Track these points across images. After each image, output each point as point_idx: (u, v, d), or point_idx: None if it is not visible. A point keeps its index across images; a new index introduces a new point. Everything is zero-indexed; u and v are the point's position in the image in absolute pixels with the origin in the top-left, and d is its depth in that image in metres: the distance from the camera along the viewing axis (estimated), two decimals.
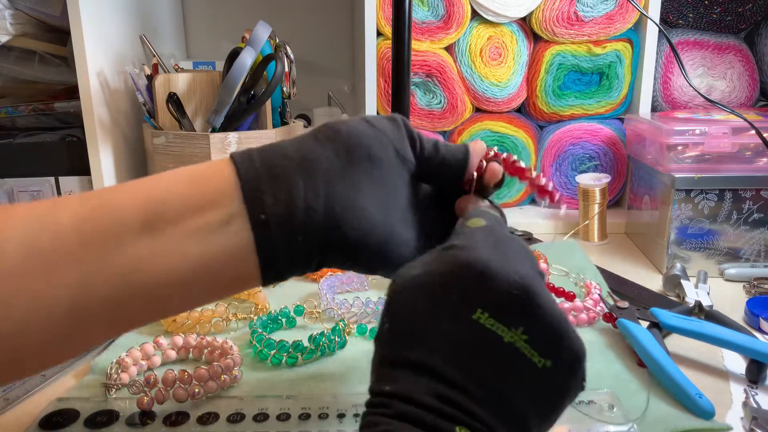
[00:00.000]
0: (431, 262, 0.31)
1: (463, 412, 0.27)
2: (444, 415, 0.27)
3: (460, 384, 0.28)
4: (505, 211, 1.04)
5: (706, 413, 0.45)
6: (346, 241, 0.35)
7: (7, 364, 0.32)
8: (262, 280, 0.35)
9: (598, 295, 0.61)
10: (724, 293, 0.68)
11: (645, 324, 0.55)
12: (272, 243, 0.33)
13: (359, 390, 0.48)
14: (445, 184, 0.42)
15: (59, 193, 0.91)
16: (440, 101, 0.95)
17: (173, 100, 0.86)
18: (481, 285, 0.29)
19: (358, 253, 0.36)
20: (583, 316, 0.59)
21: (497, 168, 0.41)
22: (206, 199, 0.34)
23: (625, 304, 0.58)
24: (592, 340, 0.56)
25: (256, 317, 0.59)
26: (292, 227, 0.33)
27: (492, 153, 0.42)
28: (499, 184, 0.42)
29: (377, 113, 0.95)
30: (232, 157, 0.36)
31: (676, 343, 0.56)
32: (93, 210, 0.33)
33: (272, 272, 0.34)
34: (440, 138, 0.97)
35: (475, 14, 0.92)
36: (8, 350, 0.31)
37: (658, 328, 0.55)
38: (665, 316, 0.55)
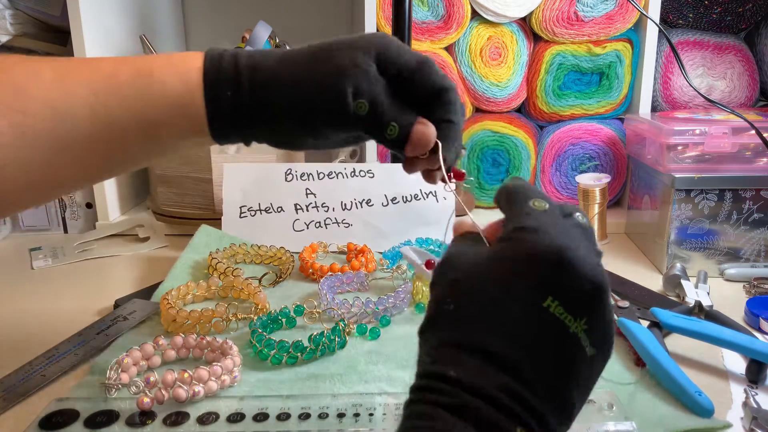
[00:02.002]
0: (502, 246, 0.31)
1: (526, 408, 0.27)
2: (509, 412, 0.26)
3: (525, 376, 0.27)
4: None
5: (706, 411, 0.45)
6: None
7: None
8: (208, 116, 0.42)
9: None
10: (724, 293, 0.68)
11: (645, 323, 0.55)
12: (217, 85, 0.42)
13: (359, 390, 0.48)
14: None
15: None
16: None
17: None
18: (556, 274, 0.28)
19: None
20: None
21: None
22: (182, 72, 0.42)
23: (625, 303, 0.58)
24: None
25: (256, 317, 0.59)
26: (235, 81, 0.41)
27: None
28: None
29: None
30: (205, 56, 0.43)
31: (676, 342, 0.56)
32: (104, 129, 0.42)
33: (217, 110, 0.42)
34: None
35: (475, 14, 0.92)
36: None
37: (658, 327, 0.55)
38: (666, 315, 0.55)
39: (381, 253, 0.76)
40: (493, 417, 0.26)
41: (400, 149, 0.44)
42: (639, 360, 0.52)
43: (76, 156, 0.42)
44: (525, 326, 0.28)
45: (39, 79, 0.41)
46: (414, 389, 0.28)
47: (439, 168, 0.44)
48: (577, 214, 0.32)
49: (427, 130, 0.43)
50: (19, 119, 0.39)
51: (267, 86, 0.42)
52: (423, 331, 0.31)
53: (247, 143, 0.45)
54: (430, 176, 0.46)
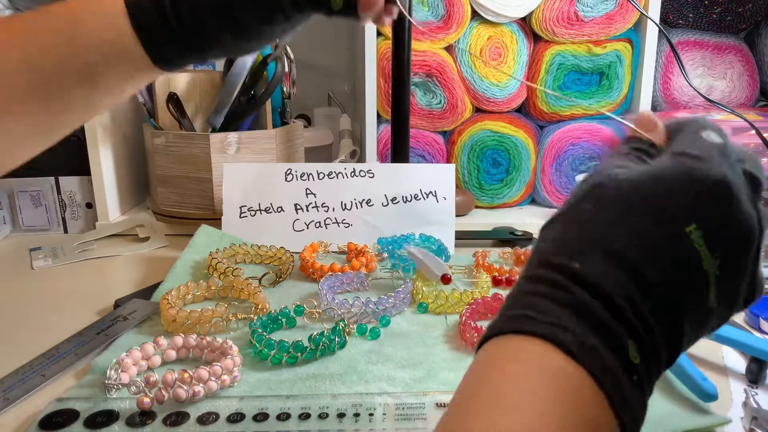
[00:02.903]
0: (661, 162, 0.29)
1: (643, 325, 0.26)
2: (627, 324, 0.25)
3: (652, 292, 0.26)
4: (505, 211, 1.03)
5: (709, 396, 0.45)
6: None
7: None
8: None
9: None
10: None
11: None
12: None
13: (359, 390, 0.48)
14: None
15: (59, 193, 0.91)
16: (440, 101, 0.95)
17: (173, 100, 0.86)
18: (710, 201, 0.27)
19: None
20: None
21: None
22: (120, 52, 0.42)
23: None
24: None
25: (256, 317, 0.59)
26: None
27: None
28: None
29: (377, 113, 0.95)
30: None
31: None
32: (41, 83, 0.41)
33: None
34: (441, 137, 0.97)
35: (475, 14, 0.92)
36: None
37: None
38: None
39: (378, 240, 0.76)
40: (610, 325, 0.25)
41: (353, 16, 0.46)
42: None
43: (15, 115, 0.42)
44: (660, 244, 0.27)
45: None
46: (525, 278, 0.28)
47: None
48: (751, 165, 0.30)
49: None
50: None
51: None
52: (547, 226, 0.30)
53: (190, 62, 0.45)
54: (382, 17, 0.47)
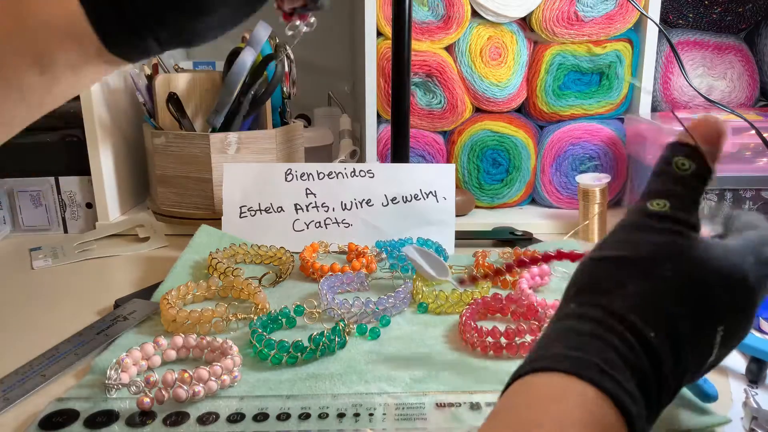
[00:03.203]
0: (733, 264, 0.33)
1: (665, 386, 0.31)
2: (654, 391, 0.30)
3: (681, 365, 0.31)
4: (505, 211, 1.03)
5: (709, 397, 0.45)
6: None
7: None
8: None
9: None
10: None
11: None
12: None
13: (359, 390, 0.48)
14: None
15: (59, 193, 0.91)
16: (440, 101, 0.95)
17: (173, 100, 0.86)
18: (741, 317, 0.34)
19: None
20: None
21: None
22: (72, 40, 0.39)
23: None
24: None
25: (256, 317, 0.59)
26: None
27: None
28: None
29: (377, 113, 0.95)
30: None
31: None
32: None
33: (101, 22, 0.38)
34: (441, 137, 0.97)
35: (475, 14, 0.92)
36: None
37: None
38: None
39: (377, 243, 0.76)
40: (651, 393, 0.30)
41: None
42: None
43: None
44: (699, 336, 0.32)
45: None
46: (593, 321, 0.31)
47: None
48: None
49: None
50: None
51: None
52: (620, 267, 0.33)
53: (149, 49, 0.41)
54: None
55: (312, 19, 0.51)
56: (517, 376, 0.31)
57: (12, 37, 0.39)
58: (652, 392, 0.30)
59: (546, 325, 0.35)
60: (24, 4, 0.39)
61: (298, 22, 0.48)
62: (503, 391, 0.31)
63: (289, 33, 0.49)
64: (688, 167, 0.35)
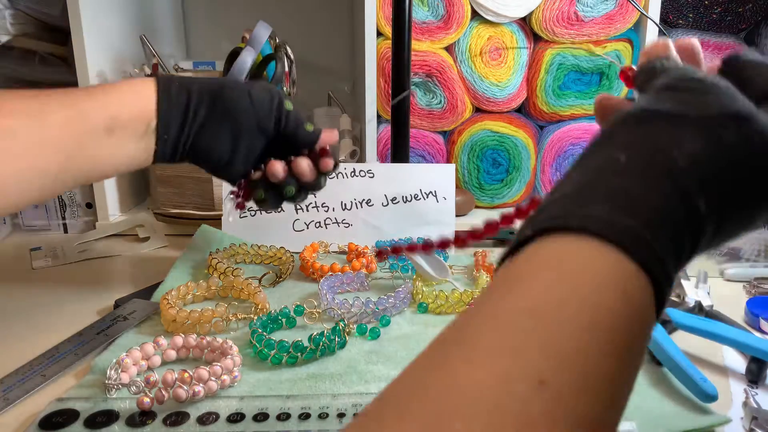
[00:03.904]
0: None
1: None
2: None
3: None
4: (505, 211, 1.04)
5: (709, 397, 0.45)
6: (200, 157, 0.59)
7: (7, 207, 0.49)
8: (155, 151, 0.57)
9: None
10: (724, 293, 0.68)
11: None
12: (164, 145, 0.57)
13: (359, 390, 0.48)
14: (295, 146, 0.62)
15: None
16: (440, 101, 0.95)
17: None
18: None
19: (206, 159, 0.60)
20: None
21: (329, 163, 0.62)
22: (139, 116, 0.55)
23: None
24: None
25: (256, 317, 0.59)
26: (174, 143, 0.57)
27: (328, 147, 0.62)
28: (331, 170, 0.63)
29: (377, 113, 0.95)
30: (157, 86, 0.56)
31: (678, 341, 0.56)
32: (71, 119, 0.51)
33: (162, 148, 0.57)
34: (441, 137, 0.97)
35: (475, 14, 0.92)
36: (8, 198, 0.48)
37: (663, 325, 0.55)
38: (678, 314, 0.56)
39: (377, 243, 0.77)
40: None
41: (314, 139, 0.62)
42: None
43: (44, 150, 0.50)
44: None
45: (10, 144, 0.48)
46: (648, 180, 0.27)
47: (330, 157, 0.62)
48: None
49: (334, 131, 0.64)
50: None
51: (213, 85, 0.59)
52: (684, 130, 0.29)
53: (179, 154, 0.58)
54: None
55: (241, 212, 0.72)
56: (537, 231, 0.25)
57: (95, 95, 0.54)
58: (683, 265, 0.27)
59: (573, 164, 0.29)
60: (111, 84, 0.56)
61: (233, 205, 0.63)
62: (510, 253, 0.26)
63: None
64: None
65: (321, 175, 0.62)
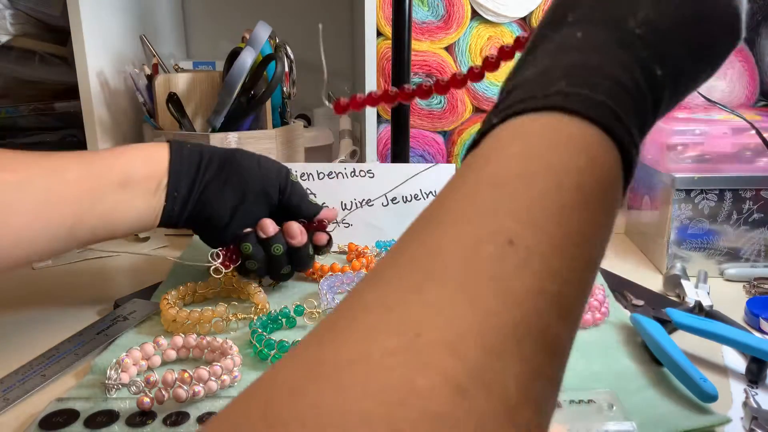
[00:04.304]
0: None
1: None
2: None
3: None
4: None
5: (709, 397, 0.45)
6: (202, 217, 0.62)
7: (21, 258, 0.51)
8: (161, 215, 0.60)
9: (603, 295, 0.61)
10: (724, 293, 0.68)
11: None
12: (173, 203, 0.60)
13: None
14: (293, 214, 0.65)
15: None
16: (440, 101, 0.95)
17: (173, 100, 0.86)
18: None
19: (208, 226, 0.63)
20: (588, 316, 0.59)
21: (323, 237, 0.66)
22: (152, 174, 0.58)
23: (640, 302, 0.63)
24: (593, 341, 0.56)
25: (256, 317, 0.59)
26: (183, 201, 0.60)
27: (326, 222, 0.66)
28: (324, 247, 0.67)
29: (377, 113, 0.95)
30: (170, 147, 0.60)
31: (678, 341, 0.56)
32: (86, 176, 0.53)
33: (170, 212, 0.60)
34: (441, 137, 0.97)
35: (475, 14, 0.92)
36: (23, 249, 0.50)
37: (663, 324, 0.55)
38: (678, 315, 0.56)
39: (377, 243, 0.77)
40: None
41: (312, 216, 0.66)
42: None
43: (57, 206, 0.52)
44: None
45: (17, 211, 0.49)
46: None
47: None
48: None
49: (333, 210, 0.68)
50: None
51: (226, 154, 0.63)
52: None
53: (178, 219, 0.61)
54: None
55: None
56: (502, 118, 0.26)
57: (106, 156, 0.57)
58: (646, 133, 0.27)
59: (533, 43, 0.30)
60: (120, 163, 0.57)
61: (217, 266, 0.62)
62: (478, 140, 0.26)
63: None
64: None
65: (314, 248, 0.65)
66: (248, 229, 0.62)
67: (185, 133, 0.86)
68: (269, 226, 0.62)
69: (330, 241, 0.66)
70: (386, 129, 0.95)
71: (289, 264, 0.63)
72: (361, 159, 1.00)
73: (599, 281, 0.68)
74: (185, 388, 0.45)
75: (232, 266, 0.62)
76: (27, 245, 0.50)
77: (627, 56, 0.27)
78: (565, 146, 0.23)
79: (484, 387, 0.17)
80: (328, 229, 0.66)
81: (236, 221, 0.62)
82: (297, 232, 0.62)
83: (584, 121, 0.24)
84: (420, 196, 0.81)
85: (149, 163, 0.58)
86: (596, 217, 0.23)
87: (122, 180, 0.55)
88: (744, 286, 0.70)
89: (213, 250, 0.62)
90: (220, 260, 0.62)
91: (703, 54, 0.30)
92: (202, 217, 0.61)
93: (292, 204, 0.64)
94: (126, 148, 0.59)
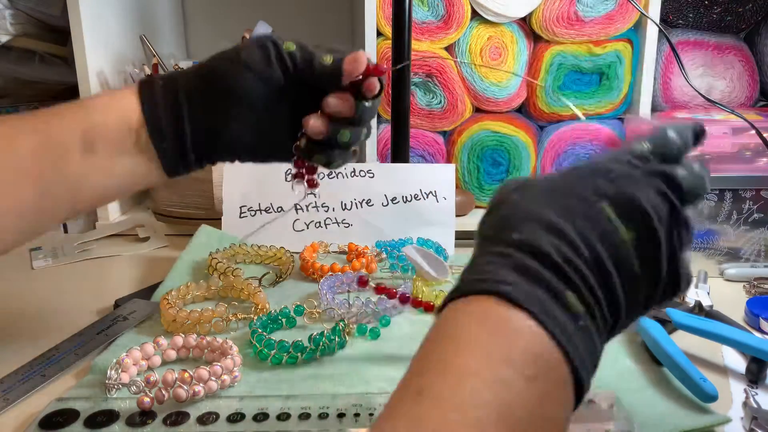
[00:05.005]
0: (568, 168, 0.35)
1: (578, 274, 0.30)
2: (561, 273, 0.29)
3: (583, 251, 0.30)
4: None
5: (709, 397, 0.45)
6: (223, 149, 0.51)
7: None
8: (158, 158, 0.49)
9: None
10: (724, 293, 0.68)
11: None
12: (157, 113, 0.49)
13: (359, 390, 0.48)
14: (324, 88, 0.50)
15: None
16: (440, 101, 0.95)
17: None
18: (619, 186, 0.32)
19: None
20: None
21: (374, 83, 0.50)
22: (122, 130, 0.48)
23: None
24: None
25: (256, 317, 0.59)
26: (179, 147, 0.49)
27: (371, 66, 0.50)
28: (377, 95, 0.51)
29: (377, 114, 0.95)
30: (139, 92, 0.49)
31: (679, 342, 0.56)
32: (42, 145, 0.46)
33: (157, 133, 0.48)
34: (441, 137, 0.97)
35: (475, 14, 0.92)
36: None
37: (663, 324, 0.55)
38: (679, 315, 0.56)
39: (377, 243, 0.77)
40: (549, 279, 0.29)
41: (338, 74, 0.49)
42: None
43: (13, 181, 0.46)
44: (585, 218, 0.31)
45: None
46: (475, 257, 0.33)
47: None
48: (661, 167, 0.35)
49: (358, 54, 0.49)
50: None
51: (197, 69, 0.51)
52: (485, 220, 0.35)
53: (185, 154, 0.50)
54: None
55: (317, 190, 0.57)
56: (459, 294, 0.31)
57: (65, 114, 0.48)
58: (553, 280, 0.30)
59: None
60: (88, 98, 0.50)
61: (304, 187, 0.54)
62: (440, 309, 0.32)
63: (294, 190, 0.55)
64: None
65: (367, 100, 0.51)
66: (302, 142, 0.52)
67: None
68: (317, 124, 0.50)
69: (381, 84, 0.52)
70: (386, 129, 0.95)
71: (358, 136, 0.53)
72: (361, 159, 1.00)
73: None
74: (185, 387, 0.45)
75: (315, 176, 0.55)
76: None
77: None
78: (494, 323, 0.29)
79: None
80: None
81: (265, 133, 0.51)
82: (339, 105, 0.50)
83: (500, 300, 0.29)
84: (420, 196, 0.81)
85: (115, 114, 0.48)
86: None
87: (87, 143, 0.46)
88: (744, 286, 0.70)
89: (289, 180, 0.54)
90: (305, 179, 0.54)
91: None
92: (224, 151, 0.51)
93: (306, 78, 0.50)
94: (86, 102, 0.50)
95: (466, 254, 0.76)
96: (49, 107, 0.48)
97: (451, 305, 0.31)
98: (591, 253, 0.30)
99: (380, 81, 0.51)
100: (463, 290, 0.31)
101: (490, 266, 0.30)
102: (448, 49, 0.94)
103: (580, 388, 0.30)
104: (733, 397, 0.48)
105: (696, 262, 0.73)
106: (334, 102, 0.49)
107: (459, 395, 0.26)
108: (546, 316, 0.28)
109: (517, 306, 0.28)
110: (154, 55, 0.91)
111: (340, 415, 0.44)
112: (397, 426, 0.26)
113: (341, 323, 0.56)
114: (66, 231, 0.92)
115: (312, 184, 0.55)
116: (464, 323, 0.29)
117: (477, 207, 0.99)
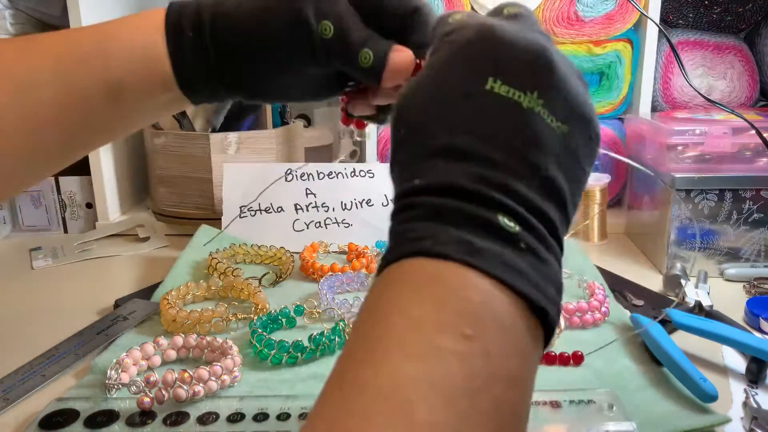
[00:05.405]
0: (430, 57, 0.30)
1: (506, 192, 0.25)
2: (484, 200, 0.25)
3: (498, 161, 0.26)
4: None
5: (709, 397, 0.45)
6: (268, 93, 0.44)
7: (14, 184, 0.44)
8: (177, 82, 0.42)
9: (603, 295, 0.61)
10: (724, 293, 0.68)
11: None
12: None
13: None
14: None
15: (59, 193, 0.91)
16: None
17: None
18: (485, 52, 0.27)
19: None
20: (588, 317, 0.59)
21: None
22: (150, 80, 0.41)
23: (640, 302, 0.63)
24: (594, 341, 0.56)
25: (256, 317, 0.59)
26: (215, 95, 0.44)
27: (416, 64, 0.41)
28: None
29: None
30: (167, 36, 0.41)
31: (679, 342, 0.56)
32: (68, 90, 0.41)
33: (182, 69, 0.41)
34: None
35: None
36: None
37: (663, 324, 0.55)
38: (677, 314, 0.56)
39: (377, 243, 0.77)
40: (471, 211, 0.25)
41: (376, 80, 0.41)
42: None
43: (38, 129, 0.41)
44: (478, 115, 0.27)
45: (1, 58, 0.40)
46: (390, 219, 0.28)
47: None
48: (508, 8, 0.30)
49: (405, 56, 0.40)
50: None
51: (228, 20, 0.40)
52: (390, 171, 0.30)
53: (220, 98, 0.45)
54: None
55: (367, 130, 0.50)
56: (385, 263, 0.27)
57: (91, 63, 0.41)
58: (473, 209, 0.25)
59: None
60: (110, 28, 0.42)
61: (353, 128, 0.47)
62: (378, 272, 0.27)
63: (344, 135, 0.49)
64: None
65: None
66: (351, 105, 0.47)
67: (184, 132, 0.86)
68: (363, 112, 0.47)
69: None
70: (386, 129, 0.95)
71: None
72: (361, 159, 1.00)
73: (599, 281, 0.68)
74: (185, 387, 0.45)
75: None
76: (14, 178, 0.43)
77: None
78: (425, 282, 0.25)
79: None
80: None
81: (300, 86, 0.45)
82: (385, 101, 0.46)
83: (425, 259, 0.25)
84: None
85: (144, 73, 0.41)
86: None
87: (111, 91, 0.41)
88: (744, 286, 0.70)
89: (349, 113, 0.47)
90: (353, 119, 0.49)
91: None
92: (258, 97, 0.45)
93: (341, 68, 0.42)
94: (109, 46, 0.41)
95: None
96: (68, 36, 0.42)
97: (377, 278, 0.27)
98: (504, 153, 0.26)
99: None
100: (387, 259, 0.27)
101: (404, 225, 0.26)
102: None
103: (545, 319, 0.25)
104: (733, 397, 0.48)
105: (696, 262, 0.73)
106: (378, 101, 0.46)
107: (381, 377, 0.22)
108: (477, 256, 0.24)
109: (440, 257, 0.24)
110: None
111: None
112: (317, 426, 0.23)
113: (341, 323, 0.56)
114: (66, 231, 0.92)
115: (361, 126, 0.50)
116: (388, 297, 0.25)
117: None
